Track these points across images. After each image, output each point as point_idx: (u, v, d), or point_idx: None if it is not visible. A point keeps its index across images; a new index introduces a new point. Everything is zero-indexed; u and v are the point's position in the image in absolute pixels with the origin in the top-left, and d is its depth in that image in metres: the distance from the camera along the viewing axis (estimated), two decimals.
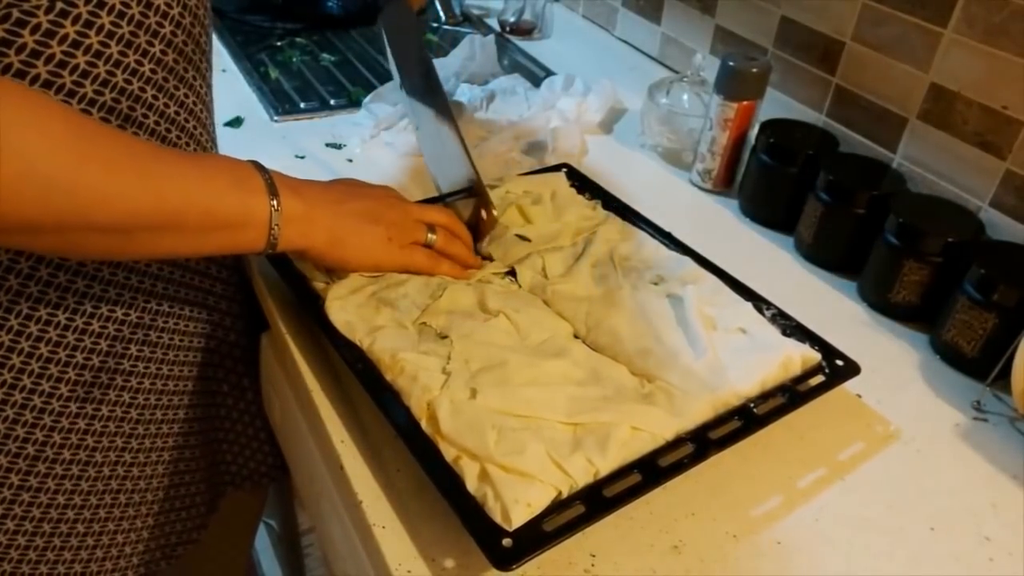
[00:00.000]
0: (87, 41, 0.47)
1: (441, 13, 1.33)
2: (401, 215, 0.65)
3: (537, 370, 0.57)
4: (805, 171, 0.81)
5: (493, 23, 1.32)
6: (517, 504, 0.47)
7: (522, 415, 0.53)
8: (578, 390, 0.56)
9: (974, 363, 0.68)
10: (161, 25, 0.51)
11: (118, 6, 0.48)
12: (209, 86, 0.62)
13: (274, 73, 1.10)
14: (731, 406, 0.56)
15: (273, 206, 0.55)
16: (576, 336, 0.63)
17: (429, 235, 0.66)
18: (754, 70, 0.84)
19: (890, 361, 0.70)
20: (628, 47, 1.27)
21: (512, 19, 1.29)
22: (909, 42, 0.81)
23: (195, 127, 0.60)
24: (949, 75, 0.79)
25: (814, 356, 0.61)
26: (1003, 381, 0.64)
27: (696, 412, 0.55)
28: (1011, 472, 0.60)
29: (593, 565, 0.50)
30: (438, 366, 0.56)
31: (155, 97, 0.54)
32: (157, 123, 0.55)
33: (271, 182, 0.55)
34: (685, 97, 0.96)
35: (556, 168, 0.83)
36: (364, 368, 0.57)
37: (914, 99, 0.82)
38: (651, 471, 0.51)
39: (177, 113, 0.57)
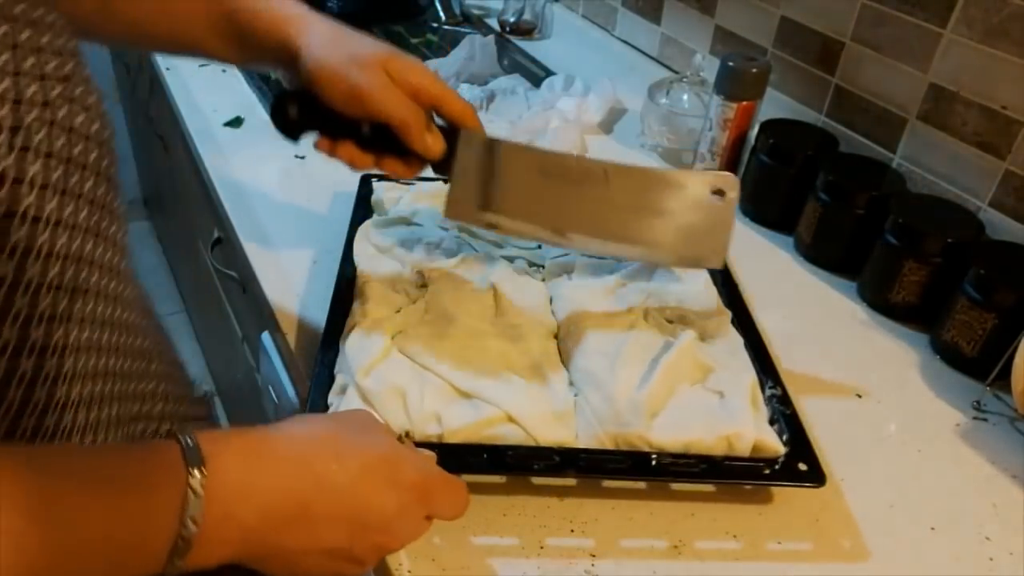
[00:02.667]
0: None
1: (441, 13, 1.33)
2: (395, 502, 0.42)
3: (477, 342, 0.60)
4: (805, 171, 0.81)
5: (493, 23, 1.32)
6: None
7: (423, 365, 0.57)
8: (500, 372, 0.58)
9: (974, 363, 0.68)
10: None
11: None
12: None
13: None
14: (633, 447, 0.54)
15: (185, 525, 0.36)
16: (556, 336, 0.64)
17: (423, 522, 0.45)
18: (754, 70, 0.84)
19: (890, 361, 0.70)
20: (628, 47, 1.27)
21: (512, 19, 1.29)
22: (909, 42, 0.81)
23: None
24: (949, 75, 0.79)
25: (774, 447, 0.54)
26: (1003, 381, 0.64)
27: (591, 436, 0.55)
28: (1011, 472, 0.60)
29: (593, 565, 0.50)
30: (397, 303, 0.63)
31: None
32: None
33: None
34: (685, 97, 0.96)
35: None
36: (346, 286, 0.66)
37: (914, 99, 0.82)
38: (497, 461, 0.53)
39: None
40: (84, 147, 0.39)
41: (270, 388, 0.84)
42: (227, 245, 0.96)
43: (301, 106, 0.58)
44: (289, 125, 0.59)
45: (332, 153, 0.59)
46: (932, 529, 0.55)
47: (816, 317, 0.74)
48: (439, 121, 0.60)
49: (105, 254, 0.43)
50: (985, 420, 0.65)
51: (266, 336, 0.83)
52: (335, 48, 0.56)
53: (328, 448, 0.41)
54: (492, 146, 0.61)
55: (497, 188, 0.62)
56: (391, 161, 0.60)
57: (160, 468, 0.36)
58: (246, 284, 0.90)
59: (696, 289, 0.68)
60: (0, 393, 0.37)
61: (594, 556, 0.51)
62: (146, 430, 0.50)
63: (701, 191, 0.62)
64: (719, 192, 0.62)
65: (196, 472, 0.36)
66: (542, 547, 0.51)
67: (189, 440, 0.37)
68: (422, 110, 0.58)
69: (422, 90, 0.57)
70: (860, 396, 0.66)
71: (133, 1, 0.58)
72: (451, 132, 0.60)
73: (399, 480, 0.42)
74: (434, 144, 0.59)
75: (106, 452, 0.39)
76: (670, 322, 0.64)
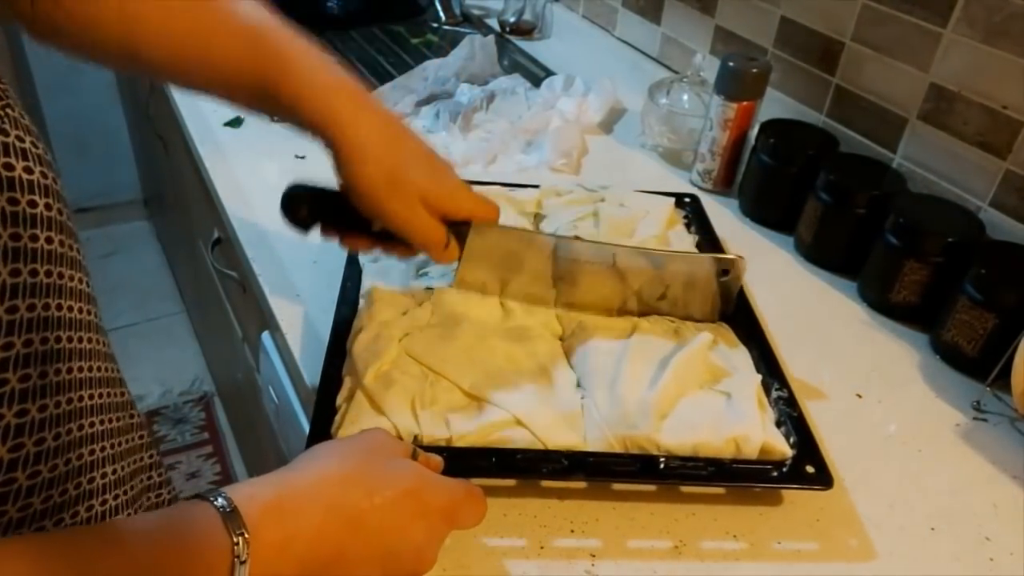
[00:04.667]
0: None
1: (441, 13, 1.33)
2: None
3: (484, 343, 0.60)
4: (805, 171, 0.81)
5: (493, 23, 1.32)
6: (352, 426, 0.53)
7: (430, 368, 0.58)
8: (507, 374, 0.58)
9: (974, 363, 0.68)
10: None
11: None
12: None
13: None
14: (642, 450, 0.54)
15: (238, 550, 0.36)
16: (561, 337, 0.64)
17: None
18: (754, 70, 0.84)
19: (890, 361, 0.70)
20: (628, 47, 1.27)
21: (512, 19, 1.29)
22: (909, 42, 0.81)
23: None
24: (949, 75, 0.78)
25: (781, 449, 0.54)
26: (1003, 381, 0.64)
27: (599, 438, 0.55)
28: (1011, 472, 0.60)
29: (593, 565, 0.50)
30: (403, 306, 0.63)
31: None
32: None
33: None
34: (685, 97, 0.96)
35: (682, 196, 0.81)
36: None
37: (914, 99, 0.82)
38: (506, 464, 0.53)
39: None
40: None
41: (270, 388, 0.84)
42: (227, 245, 0.96)
43: (313, 204, 0.57)
44: (301, 222, 0.58)
45: (340, 243, 0.59)
46: (932, 529, 0.55)
47: (816, 317, 0.74)
48: None
49: (81, 312, 0.42)
50: (985, 420, 0.65)
51: (266, 336, 0.83)
52: (378, 160, 0.53)
53: (357, 488, 0.41)
54: (503, 234, 0.62)
55: (505, 273, 0.63)
56: (399, 249, 0.59)
57: (204, 539, 0.36)
58: (246, 284, 0.90)
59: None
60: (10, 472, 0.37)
61: (594, 556, 0.51)
62: (146, 484, 0.51)
63: (708, 272, 0.63)
64: (725, 272, 0.63)
65: (240, 540, 0.36)
66: (543, 547, 0.51)
67: (225, 503, 0.37)
68: (444, 229, 0.57)
69: (454, 211, 0.57)
70: (860, 396, 0.66)
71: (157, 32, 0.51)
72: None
73: (427, 510, 0.43)
74: (451, 254, 0.59)
75: (147, 528, 0.38)
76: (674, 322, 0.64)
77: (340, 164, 0.53)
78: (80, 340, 0.42)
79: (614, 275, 0.63)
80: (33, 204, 0.37)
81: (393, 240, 0.57)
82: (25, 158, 0.37)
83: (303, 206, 0.58)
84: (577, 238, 0.66)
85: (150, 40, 0.51)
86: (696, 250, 0.74)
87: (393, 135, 0.54)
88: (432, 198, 0.55)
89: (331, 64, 0.53)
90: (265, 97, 0.52)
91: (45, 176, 0.39)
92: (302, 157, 0.90)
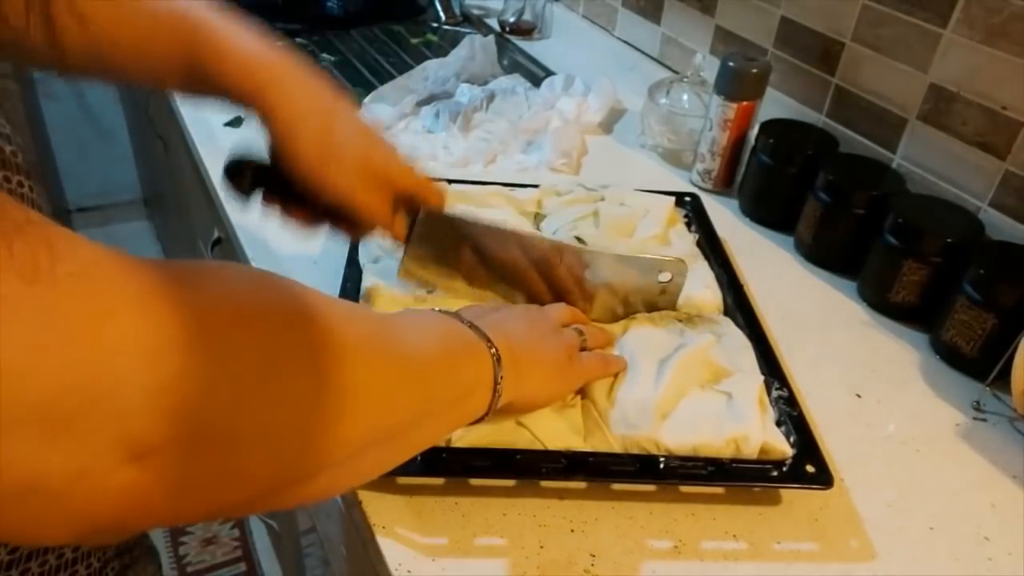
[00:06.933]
0: None
1: (441, 13, 1.33)
2: (552, 326, 0.57)
3: None
4: (805, 171, 0.81)
5: (493, 23, 1.32)
6: None
7: None
8: None
9: (974, 363, 0.68)
10: None
11: None
12: None
13: None
14: (643, 450, 0.54)
15: (492, 352, 0.48)
16: None
17: (580, 337, 0.58)
18: (754, 70, 0.84)
19: (890, 361, 0.70)
20: (628, 47, 1.27)
21: (512, 19, 1.29)
22: (909, 42, 0.81)
23: None
24: (949, 75, 0.79)
25: (781, 449, 0.55)
26: (1003, 381, 0.64)
27: (600, 440, 0.55)
28: (1011, 472, 0.60)
29: (593, 565, 0.50)
30: (404, 305, 0.63)
31: None
32: None
33: (478, 330, 0.48)
34: (685, 97, 0.96)
35: (682, 195, 0.81)
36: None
37: (914, 99, 0.82)
38: (506, 464, 0.53)
39: None
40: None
41: None
42: (227, 245, 0.96)
43: (256, 175, 0.56)
44: (241, 190, 0.56)
45: (281, 215, 0.57)
46: (931, 529, 0.55)
47: (816, 317, 0.74)
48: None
49: None
50: (985, 420, 0.65)
51: None
52: (311, 132, 0.52)
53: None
54: (452, 222, 0.61)
55: (455, 266, 0.63)
56: (344, 225, 0.58)
57: (471, 338, 0.48)
58: None
59: (701, 290, 0.68)
60: None
61: (594, 556, 0.51)
62: None
63: (651, 275, 0.63)
64: (668, 276, 0.63)
65: (492, 347, 0.48)
66: (542, 547, 0.51)
67: (470, 324, 0.48)
68: (390, 201, 0.56)
69: (399, 184, 0.56)
70: (860, 396, 0.66)
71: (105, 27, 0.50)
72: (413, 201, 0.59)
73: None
74: (398, 230, 0.58)
75: (425, 313, 0.50)
76: (679, 321, 0.64)
77: (272, 136, 0.52)
78: None
79: (558, 271, 0.63)
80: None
81: (338, 216, 0.56)
82: None
83: (245, 176, 0.56)
84: (524, 233, 0.64)
85: (101, 38, 0.50)
86: (697, 249, 0.74)
87: (328, 108, 0.53)
88: (372, 171, 0.54)
89: (260, 38, 0.52)
90: (194, 76, 0.51)
91: (22, 185, 0.38)
92: None
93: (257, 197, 0.57)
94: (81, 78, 0.52)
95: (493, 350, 0.48)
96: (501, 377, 0.48)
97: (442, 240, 0.61)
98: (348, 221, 0.57)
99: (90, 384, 0.24)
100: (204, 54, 0.50)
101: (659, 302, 0.65)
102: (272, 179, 0.55)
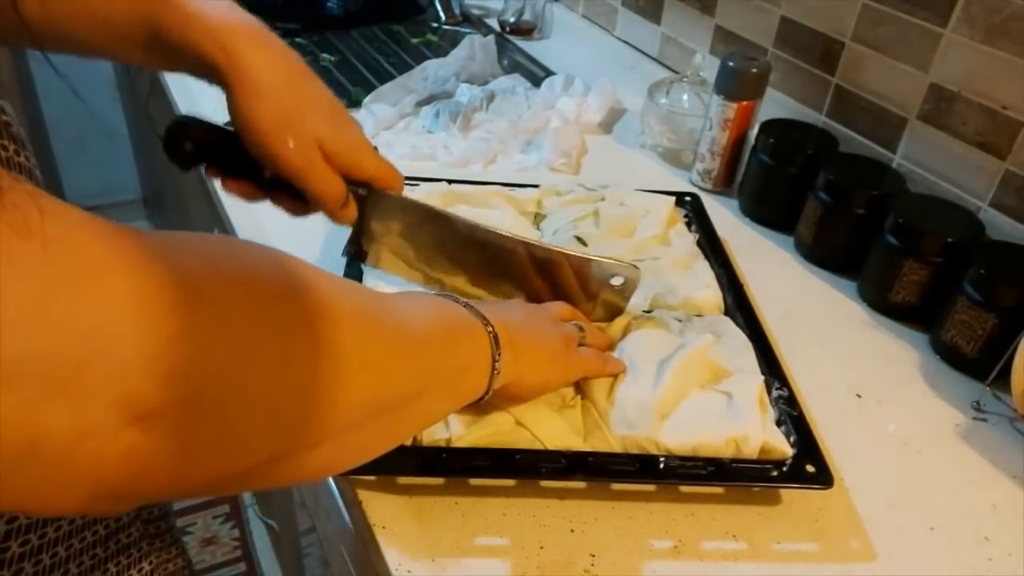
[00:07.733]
0: None
1: (441, 13, 1.33)
2: (551, 318, 0.58)
3: None
4: (805, 171, 0.81)
5: (493, 23, 1.32)
6: None
7: None
8: None
9: (974, 363, 0.68)
10: None
11: None
12: None
13: None
14: (643, 450, 0.54)
15: (489, 331, 0.48)
16: None
17: (580, 332, 0.59)
18: (754, 70, 0.84)
19: (890, 361, 0.70)
20: (628, 47, 1.27)
21: (512, 19, 1.29)
22: (909, 42, 0.81)
23: None
24: (949, 75, 0.79)
25: (781, 449, 0.54)
26: (1003, 381, 0.64)
27: (600, 440, 0.55)
28: (1011, 472, 0.60)
29: (593, 565, 0.50)
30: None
31: None
32: None
33: (475, 310, 0.49)
34: (685, 97, 0.96)
35: (682, 195, 0.80)
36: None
37: (914, 99, 0.82)
38: (505, 464, 0.53)
39: None
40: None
41: None
42: None
43: (198, 140, 0.53)
44: (183, 157, 0.54)
45: (224, 186, 0.55)
46: (931, 529, 0.55)
47: (816, 317, 0.74)
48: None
49: None
50: (985, 420, 0.65)
51: None
52: (273, 98, 0.50)
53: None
54: (406, 205, 0.60)
55: (405, 251, 0.62)
56: (286, 200, 0.56)
57: (468, 317, 0.48)
58: None
59: (701, 290, 0.68)
60: None
61: (594, 556, 0.51)
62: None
63: (602, 279, 0.63)
64: (620, 280, 0.63)
65: (489, 326, 0.48)
66: (542, 547, 0.51)
67: (466, 304, 0.49)
68: (343, 183, 0.54)
69: (355, 168, 0.54)
70: (860, 396, 0.66)
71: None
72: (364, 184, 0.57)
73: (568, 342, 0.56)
74: (348, 214, 0.56)
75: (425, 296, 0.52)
76: (679, 321, 0.64)
77: (231, 99, 0.50)
78: None
79: (513, 266, 0.62)
80: None
81: (282, 190, 0.53)
82: None
83: (187, 140, 0.53)
84: (482, 227, 0.62)
85: (61, 7, 0.48)
86: (697, 249, 0.74)
87: (293, 76, 0.51)
88: (331, 148, 0.52)
89: (226, 3, 0.50)
90: (157, 44, 0.49)
91: (19, 154, 0.38)
92: None
93: (198, 166, 0.54)
94: (55, 50, 0.49)
95: (490, 328, 0.48)
96: (499, 355, 0.48)
97: (393, 223, 0.59)
98: (292, 196, 0.54)
99: (90, 337, 0.24)
100: (166, 20, 0.48)
101: (614, 303, 0.65)
102: (219, 146, 0.53)
